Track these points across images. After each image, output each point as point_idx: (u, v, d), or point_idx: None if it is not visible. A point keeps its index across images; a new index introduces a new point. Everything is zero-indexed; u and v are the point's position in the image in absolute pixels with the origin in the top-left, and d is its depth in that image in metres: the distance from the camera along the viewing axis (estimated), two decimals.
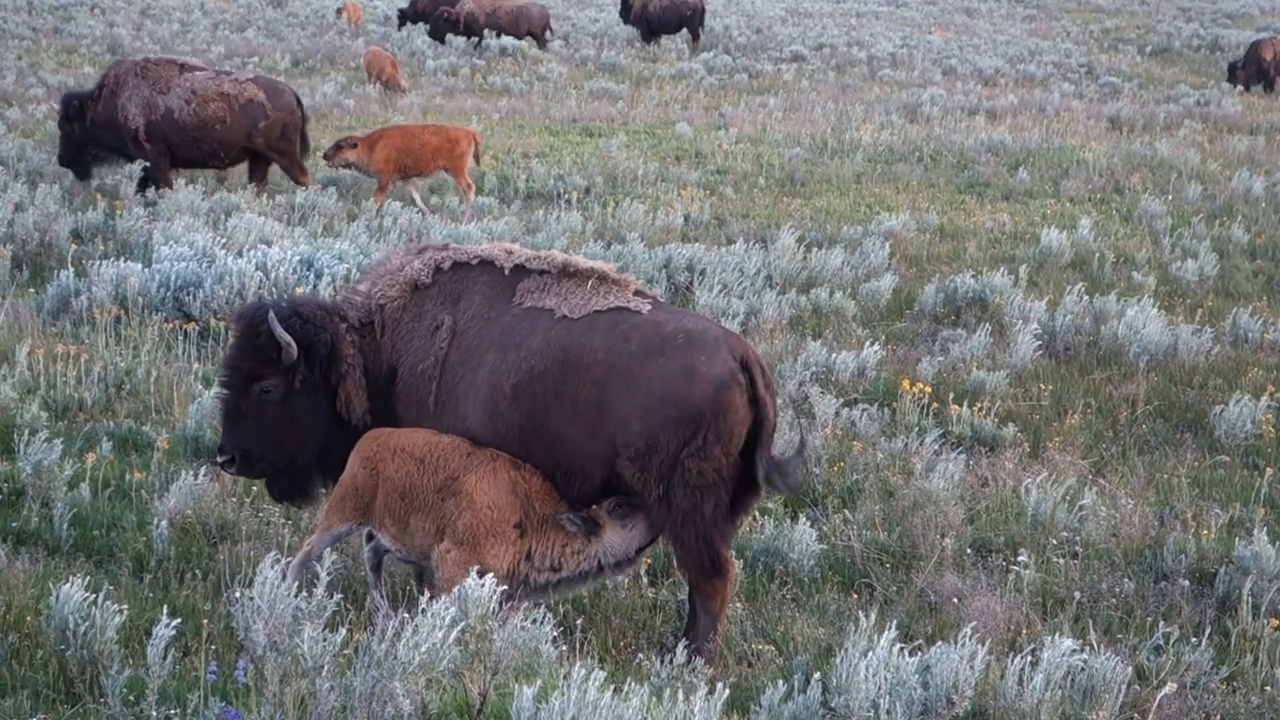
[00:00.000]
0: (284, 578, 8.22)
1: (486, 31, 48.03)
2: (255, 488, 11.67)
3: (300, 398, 10.11)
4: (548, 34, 49.18)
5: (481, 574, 8.24)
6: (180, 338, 15.42)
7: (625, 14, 51.09)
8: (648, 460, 9.35)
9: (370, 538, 9.91)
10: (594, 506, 9.46)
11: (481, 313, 9.90)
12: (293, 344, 9.94)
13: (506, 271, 10.00)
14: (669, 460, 9.34)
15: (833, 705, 8.16)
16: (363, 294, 10.30)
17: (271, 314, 9.99)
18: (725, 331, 9.73)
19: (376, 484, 9.62)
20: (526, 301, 9.83)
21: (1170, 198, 26.33)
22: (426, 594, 9.07)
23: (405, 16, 51.65)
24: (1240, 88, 43.00)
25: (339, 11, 55.20)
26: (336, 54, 45.01)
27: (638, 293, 9.85)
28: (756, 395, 9.47)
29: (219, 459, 10.38)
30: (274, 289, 15.99)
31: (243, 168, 24.52)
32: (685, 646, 9.08)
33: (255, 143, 23.61)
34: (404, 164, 24.02)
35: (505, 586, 8.87)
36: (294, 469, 10.33)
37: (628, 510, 9.47)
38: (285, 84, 24.62)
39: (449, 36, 47.78)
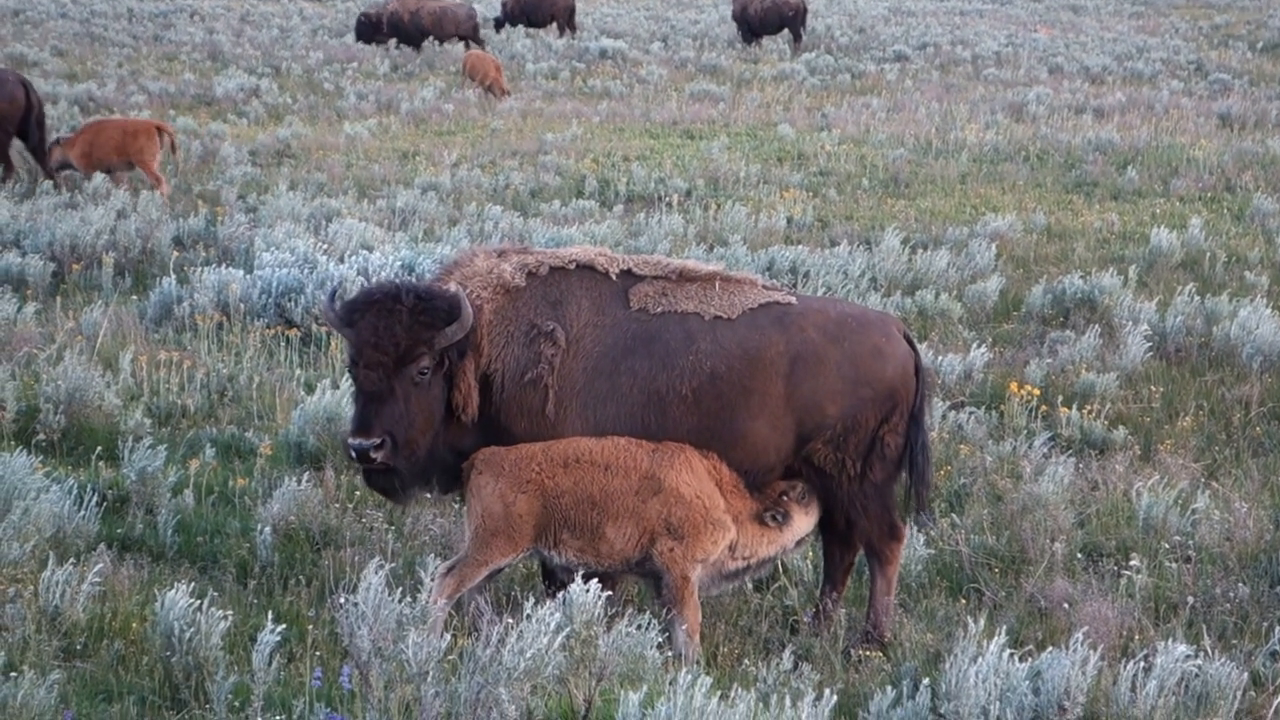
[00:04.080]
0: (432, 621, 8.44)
1: (412, 31, 47.04)
2: (358, 493, 11.68)
3: (436, 385, 9.55)
4: (472, 39, 47.64)
5: (704, 562, 9.24)
6: (282, 344, 15.48)
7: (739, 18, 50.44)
8: (844, 440, 9.76)
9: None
10: (782, 497, 9.72)
11: (594, 319, 9.71)
12: (471, 317, 9.45)
13: (613, 276, 9.87)
14: (867, 438, 9.79)
15: (942, 711, 8.09)
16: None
17: (460, 290, 9.53)
18: (879, 311, 10.20)
19: (541, 505, 9.40)
20: (653, 306, 9.75)
21: None
22: (532, 600, 9.01)
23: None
24: None
25: None
26: (435, 59, 45.18)
27: (766, 287, 10.01)
28: (919, 365, 9.97)
29: (365, 442, 9.35)
30: None
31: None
32: (868, 616, 9.97)
33: None
34: (96, 157, 24.22)
35: (705, 574, 9.50)
36: (424, 461, 9.65)
37: (805, 493, 9.80)
38: (17, 75, 25.31)
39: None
